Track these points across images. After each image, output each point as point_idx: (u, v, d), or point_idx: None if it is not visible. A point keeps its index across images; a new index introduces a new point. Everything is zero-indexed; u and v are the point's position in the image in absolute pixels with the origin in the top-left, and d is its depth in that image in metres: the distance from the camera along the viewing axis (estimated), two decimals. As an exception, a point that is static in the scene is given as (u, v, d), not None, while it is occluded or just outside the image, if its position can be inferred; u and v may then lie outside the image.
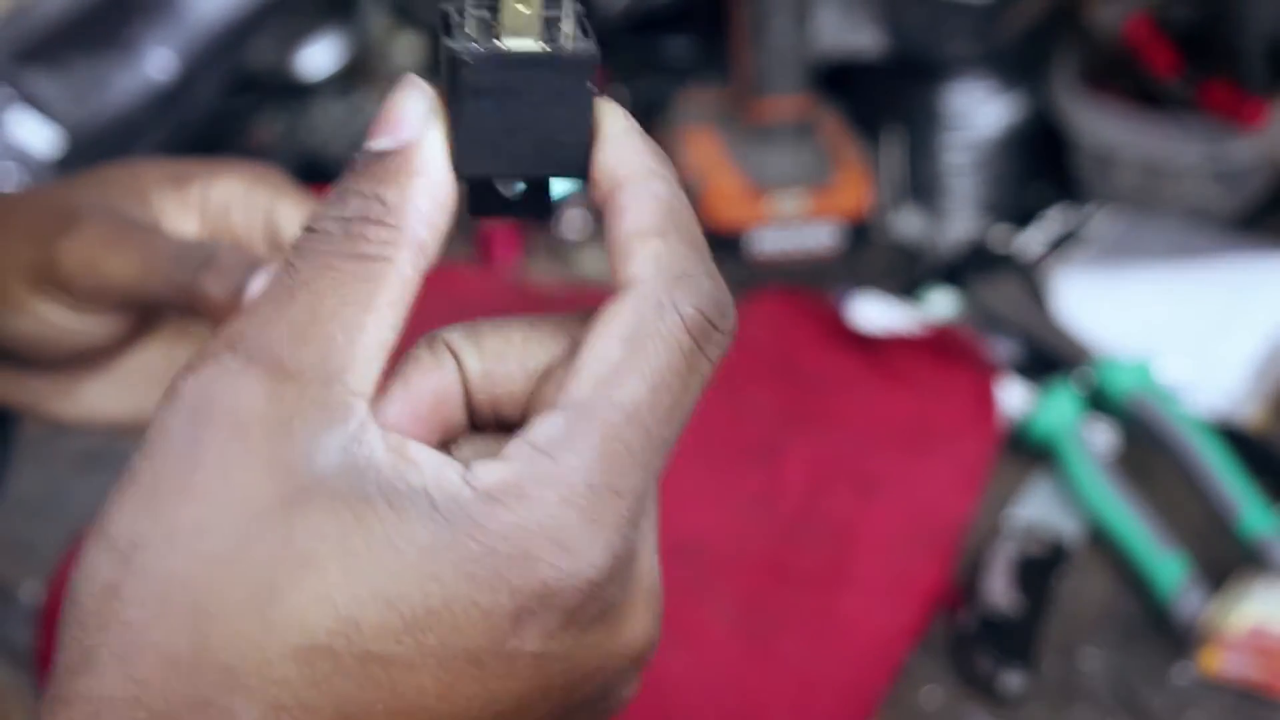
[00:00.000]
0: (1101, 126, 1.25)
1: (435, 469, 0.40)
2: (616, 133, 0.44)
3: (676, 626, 0.98)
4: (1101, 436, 1.09)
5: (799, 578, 1.01)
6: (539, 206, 0.45)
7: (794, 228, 1.25)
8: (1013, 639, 0.95)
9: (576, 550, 0.40)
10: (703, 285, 0.42)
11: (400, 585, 0.39)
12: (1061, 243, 1.26)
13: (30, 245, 0.65)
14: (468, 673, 0.40)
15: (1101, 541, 1.03)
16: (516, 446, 0.40)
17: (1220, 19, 1.22)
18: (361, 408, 0.41)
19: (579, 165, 0.43)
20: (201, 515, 0.40)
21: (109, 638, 0.40)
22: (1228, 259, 1.20)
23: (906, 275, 1.24)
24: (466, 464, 0.40)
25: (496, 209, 0.45)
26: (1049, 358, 1.14)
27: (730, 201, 1.25)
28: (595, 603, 0.41)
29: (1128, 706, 0.94)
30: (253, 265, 0.64)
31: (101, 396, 0.71)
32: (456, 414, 0.44)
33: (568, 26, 0.43)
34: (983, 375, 1.12)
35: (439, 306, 1.40)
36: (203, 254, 0.64)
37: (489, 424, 0.44)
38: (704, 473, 1.07)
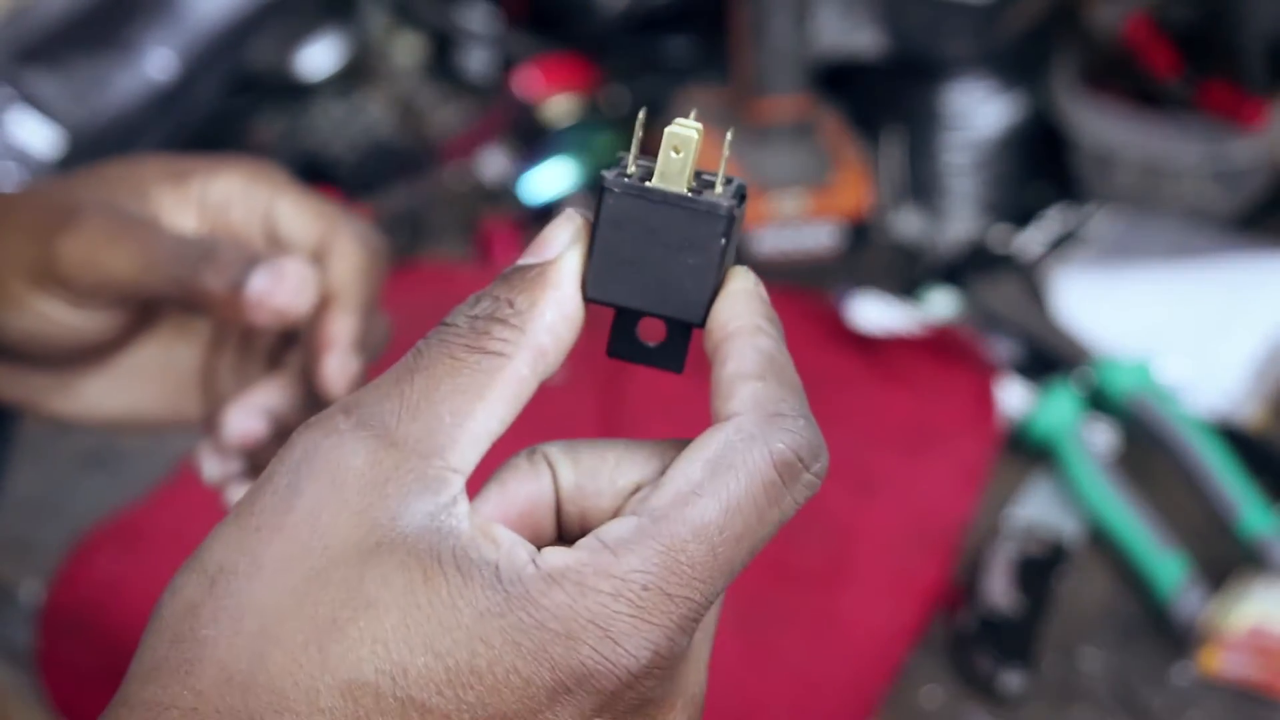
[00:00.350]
0: (1101, 126, 1.26)
1: (509, 547, 0.43)
2: (737, 289, 0.46)
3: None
4: (1101, 436, 1.09)
5: (799, 577, 1.01)
6: (673, 358, 0.48)
7: (794, 228, 1.26)
8: (1013, 639, 0.95)
9: (620, 640, 0.42)
10: (797, 425, 0.44)
11: (451, 641, 0.41)
12: (1061, 243, 1.26)
13: (30, 242, 0.66)
14: None
15: (1101, 541, 1.03)
16: (587, 540, 0.43)
17: (1220, 19, 1.22)
18: (458, 483, 0.43)
19: (697, 312, 0.46)
20: (286, 552, 0.42)
21: (180, 651, 0.42)
22: (1227, 259, 1.20)
23: (906, 275, 1.24)
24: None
25: (634, 354, 0.48)
26: (1049, 358, 1.14)
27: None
28: (632, 693, 0.42)
29: (1127, 706, 0.94)
30: (252, 260, 0.64)
31: (101, 393, 0.71)
32: (547, 521, 0.47)
33: (719, 186, 0.46)
34: (983, 375, 1.12)
35: (440, 305, 1.40)
36: (202, 249, 0.64)
37: (577, 537, 0.46)
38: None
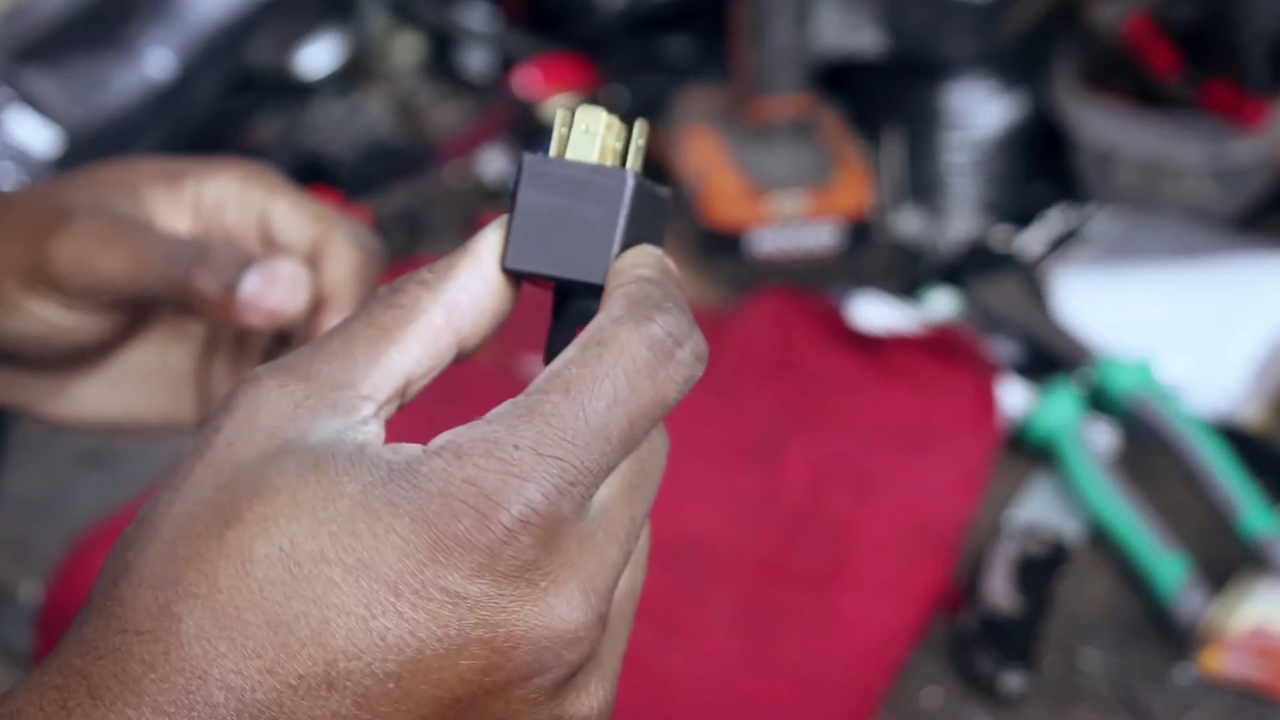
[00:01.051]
0: (1102, 126, 1.25)
1: (409, 449, 0.45)
2: (637, 250, 0.49)
3: (676, 626, 0.98)
4: (1102, 436, 1.09)
5: (799, 578, 1.01)
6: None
7: (794, 228, 1.25)
8: (1013, 639, 0.95)
9: (492, 495, 0.43)
10: (666, 308, 0.47)
11: (334, 510, 0.44)
12: (1062, 242, 1.26)
13: (22, 244, 0.65)
14: (385, 598, 0.43)
15: (1102, 542, 1.03)
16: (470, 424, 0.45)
17: (1220, 18, 1.22)
18: (368, 408, 0.46)
19: (599, 273, 0.49)
20: (202, 475, 0.45)
21: (108, 579, 0.45)
22: (1228, 259, 1.20)
23: (906, 275, 1.24)
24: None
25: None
26: (1049, 357, 1.14)
27: (730, 201, 1.25)
28: (510, 552, 0.44)
29: (1128, 707, 0.94)
30: (245, 262, 0.64)
31: (95, 396, 0.71)
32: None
33: (631, 159, 0.50)
34: (983, 375, 1.12)
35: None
36: (195, 250, 0.64)
37: None
38: (704, 472, 1.07)
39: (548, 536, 0.44)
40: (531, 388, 0.46)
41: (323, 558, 0.43)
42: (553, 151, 0.49)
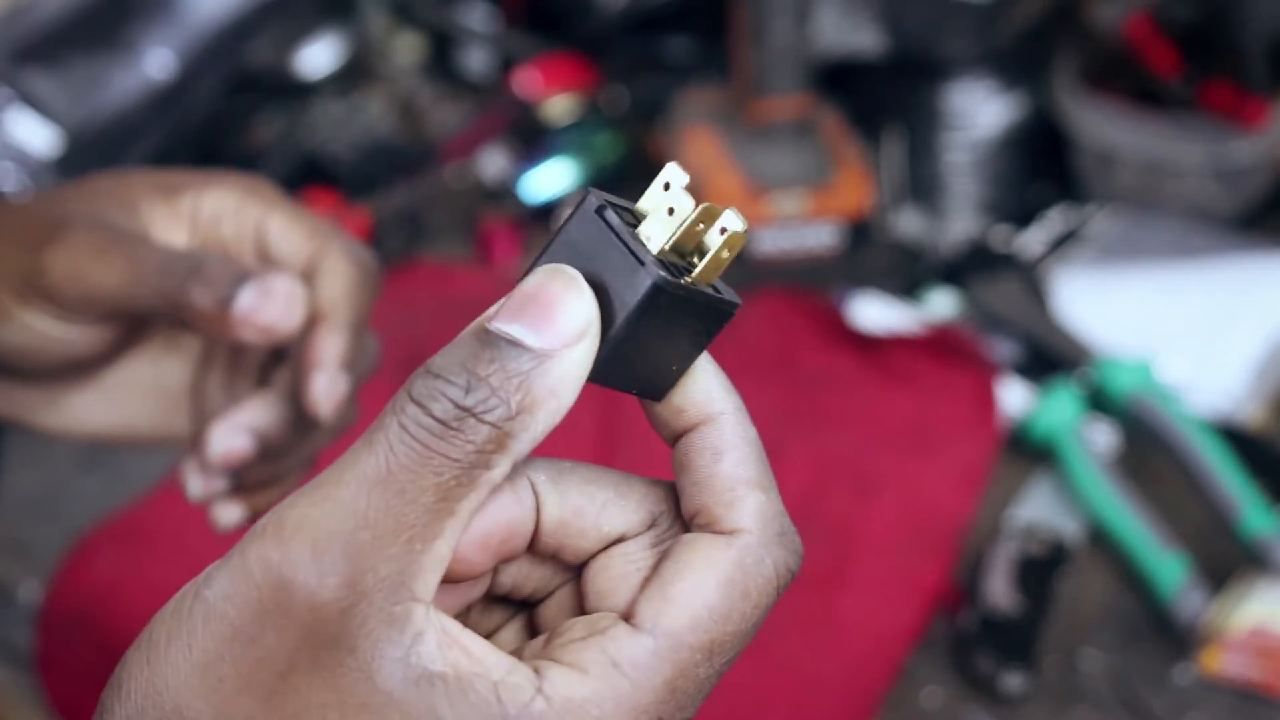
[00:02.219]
0: (1102, 126, 1.25)
1: (504, 672, 0.42)
2: (708, 364, 0.45)
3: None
4: (1102, 436, 1.09)
5: (799, 578, 1.01)
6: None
7: (794, 228, 1.25)
8: (1013, 639, 0.95)
9: None
10: (794, 544, 0.46)
11: None
12: (1062, 242, 1.26)
13: (17, 255, 0.65)
14: None
15: (1102, 542, 1.03)
16: (596, 659, 0.42)
17: (1221, 19, 1.22)
18: (420, 613, 0.41)
19: (663, 393, 0.45)
20: (252, 712, 0.41)
21: None
22: (1228, 259, 1.20)
23: (906, 275, 1.24)
24: (535, 667, 0.42)
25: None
26: (1049, 358, 1.14)
27: (730, 201, 1.25)
28: None
29: (1129, 707, 0.94)
30: (241, 276, 0.63)
31: (88, 408, 0.71)
32: (520, 545, 0.45)
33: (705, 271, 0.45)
34: (983, 375, 1.12)
35: (440, 305, 1.40)
36: (190, 264, 0.64)
37: (547, 559, 0.46)
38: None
39: None
40: (670, 630, 0.43)
41: None
42: (654, 237, 0.44)
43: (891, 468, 1.08)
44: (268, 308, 0.64)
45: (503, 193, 1.35)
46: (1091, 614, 0.99)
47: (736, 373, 0.48)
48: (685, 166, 0.45)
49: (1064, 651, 0.97)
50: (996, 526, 1.04)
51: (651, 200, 0.44)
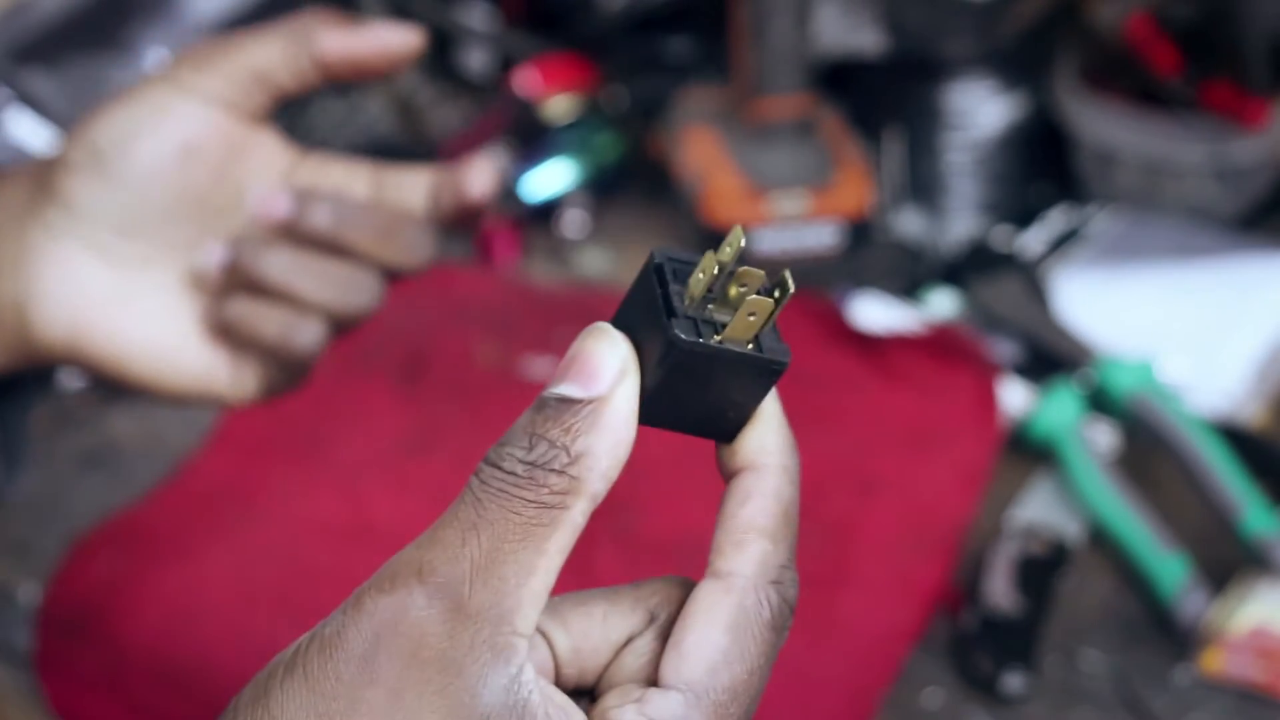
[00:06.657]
0: (1103, 126, 1.25)
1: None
2: (771, 417, 0.50)
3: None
4: (1102, 436, 1.09)
5: (799, 578, 1.01)
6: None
7: (794, 228, 1.25)
8: (1014, 640, 0.95)
9: None
10: (788, 581, 0.51)
11: None
12: (1062, 242, 1.26)
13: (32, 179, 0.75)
14: None
15: (1103, 542, 1.03)
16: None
17: (1221, 18, 1.22)
18: (523, 648, 0.46)
19: (732, 435, 0.50)
20: (326, 675, 0.45)
21: None
22: (1229, 259, 1.20)
23: (907, 275, 1.24)
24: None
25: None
26: (1050, 358, 1.14)
27: (730, 201, 1.25)
28: None
29: (1129, 708, 0.94)
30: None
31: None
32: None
33: (769, 327, 0.48)
34: (983, 375, 1.12)
35: (440, 305, 1.39)
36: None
37: (574, 689, 0.49)
38: (704, 472, 1.07)
39: None
40: (692, 680, 0.47)
41: None
42: (689, 300, 0.47)
43: (892, 468, 1.07)
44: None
45: (502, 192, 1.35)
46: (1092, 614, 0.99)
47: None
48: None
49: (1064, 652, 0.97)
50: (997, 526, 1.04)
51: (707, 259, 0.48)
